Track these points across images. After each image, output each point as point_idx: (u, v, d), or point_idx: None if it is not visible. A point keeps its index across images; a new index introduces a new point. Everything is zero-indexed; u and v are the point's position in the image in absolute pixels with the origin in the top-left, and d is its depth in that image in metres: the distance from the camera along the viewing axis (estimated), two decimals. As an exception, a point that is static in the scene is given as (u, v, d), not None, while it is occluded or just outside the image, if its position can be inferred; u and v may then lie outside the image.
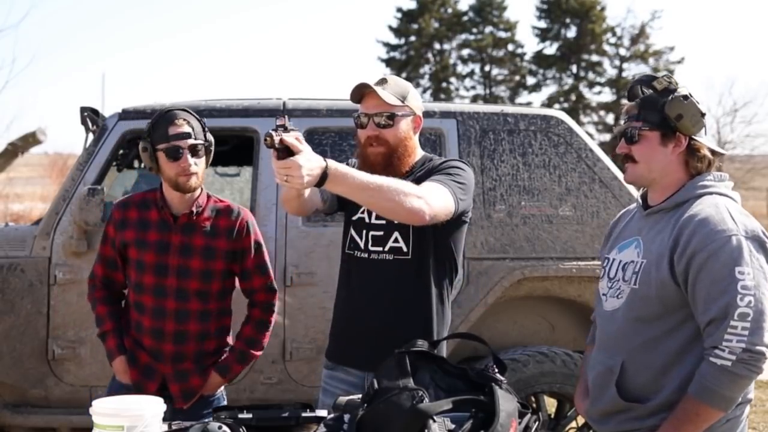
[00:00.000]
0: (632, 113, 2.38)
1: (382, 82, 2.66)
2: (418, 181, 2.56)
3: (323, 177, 2.21)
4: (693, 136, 2.32)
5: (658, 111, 2.31)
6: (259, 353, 2.99)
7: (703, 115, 2.32)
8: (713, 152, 2.37)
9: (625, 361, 2.33)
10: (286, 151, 2.16)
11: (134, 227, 2.90)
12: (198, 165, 2.82)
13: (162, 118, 2.81)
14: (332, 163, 2.24)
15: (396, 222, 2.60)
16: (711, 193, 2.31)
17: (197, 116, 2.88)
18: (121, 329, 2.93)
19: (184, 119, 2.82)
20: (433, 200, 2.42)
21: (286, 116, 2.23)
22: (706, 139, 2.35)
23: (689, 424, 2.19)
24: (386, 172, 2.63)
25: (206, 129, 2.88)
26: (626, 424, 2.33)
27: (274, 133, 2.14)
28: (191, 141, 2.80)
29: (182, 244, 2.86)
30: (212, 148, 2.90)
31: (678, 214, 2.29)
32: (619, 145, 2.41)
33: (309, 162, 2.17)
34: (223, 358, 2.95)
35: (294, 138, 2.16)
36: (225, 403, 3.03)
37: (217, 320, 2.94)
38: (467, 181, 2.61)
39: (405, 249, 2.63)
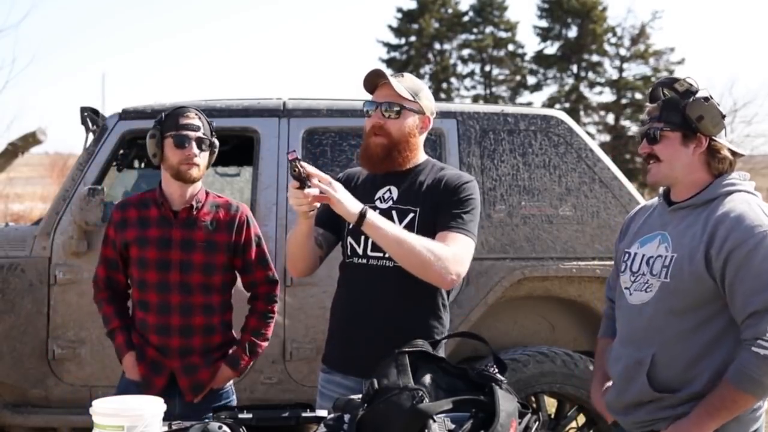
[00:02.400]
0: (654, 115, 2.43)
1: (398, 75, 2.65)
2: (426, 192, 2.60)
3: (360, 219, 2.39)
4: (713, 137, 2.38)
5: (680, 112, 2.37)
6: (265, 344, 3.05)
7: (723, 116, 2.37)
8: (733, 153, 2.42)
9: (656, 353, 2.37)
10: (304, 181, 2.35)
11: (135, 226, 2.94)
12: (201, 158, 2.91)
13: (175, 110, 2.94)
14: (370, 210, 2.43)
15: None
16: (738, 191, 2.37)
17: (207, 118, 3.00)
18: (128, 326, 2.99)
19: (196, 114, 2.94)
20: (463, 264, 2.53)
21: (295, 150, 2.45)
22: (726, 140, 2.40)
23: (725, 410, 2.25)
24: (384, 165, 2.63)
25: (213, 131, 2.99)
26: (657, 412, 2.38)
27: (299, 164, 2.32)
28: (199, 134, 2.91)
29: (183, 238, 2.91)
30: (216, 149, 2.99)
31: (708, 210, 2.35)
32: (641, 146, 2.46)
33: (348, 199, 2.39)
34: (232, 351, 2.99)
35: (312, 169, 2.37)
36: (234, 397, 3.08)
37: (221, 314, 2.99)
38: (479, 211, 2.68)
39: None
